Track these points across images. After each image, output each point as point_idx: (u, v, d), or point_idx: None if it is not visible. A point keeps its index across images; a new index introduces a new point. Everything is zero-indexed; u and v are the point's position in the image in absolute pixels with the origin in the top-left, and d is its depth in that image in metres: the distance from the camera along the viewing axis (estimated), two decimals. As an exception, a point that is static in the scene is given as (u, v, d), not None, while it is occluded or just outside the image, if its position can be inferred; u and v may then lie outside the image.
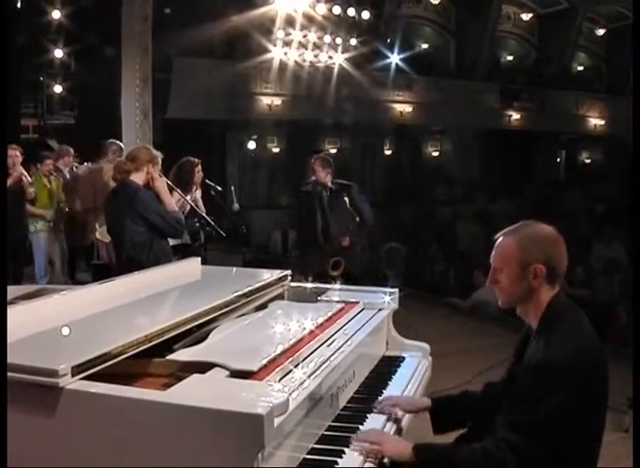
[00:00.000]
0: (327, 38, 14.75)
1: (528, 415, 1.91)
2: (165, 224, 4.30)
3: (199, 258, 3.54)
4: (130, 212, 4.18)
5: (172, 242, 4.73)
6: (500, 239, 2.12)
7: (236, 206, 6.97)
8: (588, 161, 23.77)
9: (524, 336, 2.20)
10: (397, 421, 2.38)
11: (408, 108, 17.84)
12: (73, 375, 1.82)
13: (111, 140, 7.10)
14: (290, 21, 13.87)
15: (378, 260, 10.82)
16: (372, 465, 2.06)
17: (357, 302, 3.09)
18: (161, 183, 4.41)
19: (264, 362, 2.11)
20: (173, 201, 4.59)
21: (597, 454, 2.04)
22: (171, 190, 4.95)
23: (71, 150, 7.68)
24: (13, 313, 2.20)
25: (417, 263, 11.29)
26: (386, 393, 2.64)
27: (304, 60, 14.95)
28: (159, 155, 4.47)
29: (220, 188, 6.72)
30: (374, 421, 2.35)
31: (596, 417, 2.00)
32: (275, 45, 14.45)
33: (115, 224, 4.35)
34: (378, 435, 2.17)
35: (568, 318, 2.05)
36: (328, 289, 3.32)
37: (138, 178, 4.30)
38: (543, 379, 1.91)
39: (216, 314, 2.59)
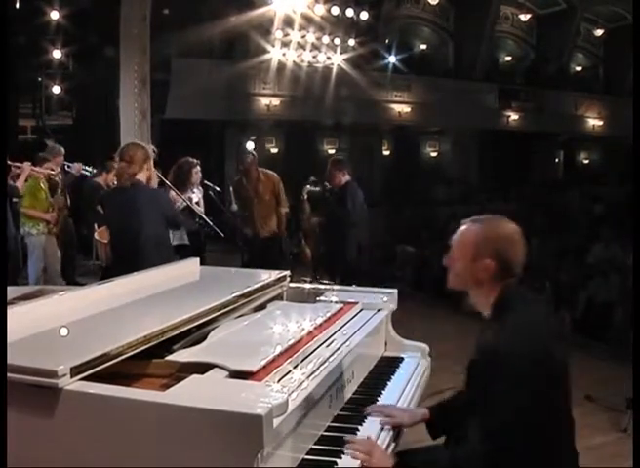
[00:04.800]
0: (325, 39, 14.77)
1: (480, 405, 1.94)
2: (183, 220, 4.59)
3: (198, 259, 3.53)
4: (151, 211, 4.19)
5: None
6: (464, 226, 2.17)
7: (235, 206, 6.98)
8: (587, 161, 23.81)
9: None
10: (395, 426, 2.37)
11: (406, 109, 17.85)
12: (72, 376, 1.82)
13: None
14: (288, 22, 13.88)
15: (386, 261, 10.83)
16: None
17: (356, 303, 3.08)
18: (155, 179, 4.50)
19: (263, 362, 2.11)
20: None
21: (564, 450, 2.05)
22: (169, 189, 4.96)
23: (62, 150, 7.61)
24: (12, 313, 2.19)
25: (416, 263, 11.28)
26: (385, 394, 2.64)
27: (303, 61, 14.97)
28: (151, 148, 4.53)
29: (218, 189, 6.74)
30: (372, 422, 2.34)
31: (549, 408, 1.97)
32: (274, 45, 14.47)
33: (130, 222, 4.22)
34: (368, 445, 2.15)
35: (518, 308, 2.07)
36: (327, 289, 3.32)
37: (142, 178, 4.28)
38: (486, 367, 1.95)
39: (214, 315, 2.58)
